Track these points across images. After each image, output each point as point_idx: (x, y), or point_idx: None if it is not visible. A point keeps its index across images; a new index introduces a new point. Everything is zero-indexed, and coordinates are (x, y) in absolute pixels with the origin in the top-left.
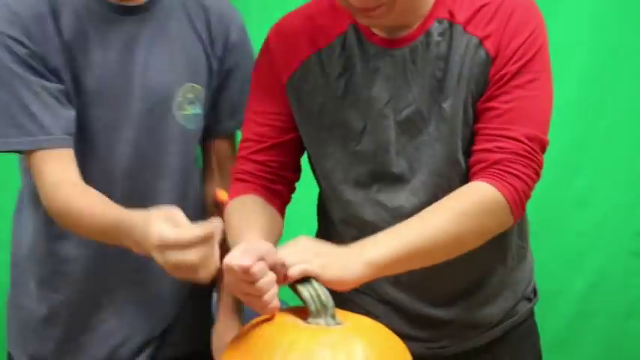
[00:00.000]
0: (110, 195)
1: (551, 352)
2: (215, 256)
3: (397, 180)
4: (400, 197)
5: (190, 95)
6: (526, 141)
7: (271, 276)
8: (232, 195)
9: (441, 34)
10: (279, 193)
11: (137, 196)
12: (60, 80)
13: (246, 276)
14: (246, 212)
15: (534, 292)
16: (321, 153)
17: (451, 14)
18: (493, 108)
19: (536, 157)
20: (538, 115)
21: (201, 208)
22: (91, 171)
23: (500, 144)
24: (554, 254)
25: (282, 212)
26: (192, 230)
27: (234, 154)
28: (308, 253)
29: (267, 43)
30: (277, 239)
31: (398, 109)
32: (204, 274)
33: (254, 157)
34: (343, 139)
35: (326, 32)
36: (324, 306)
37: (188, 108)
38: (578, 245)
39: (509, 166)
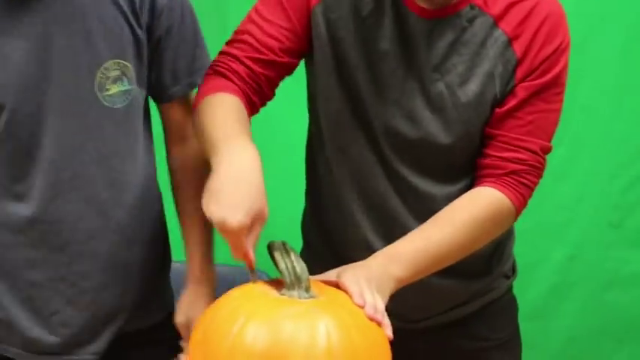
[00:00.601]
0: (36, 184)
1: (530, 322)
2: None
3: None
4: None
5: (114, 73)
6: (541, 153)
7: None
8: (213, 87)
9: (469, 21)
10: (254, 105)
11: (64, 185)
12: None
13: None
14: (235, 112)
15: (513, 269)
16: (324, 83)
17: (485, 2)
18: (516, 117)
19: (544, 165)
20: (553, 128)
21: (142, 188)
22: (15, 162)
23: (518, 155)
24: (533, 226)
25: None
26: None
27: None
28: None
29: None
30: None
31: (418, 71)
32: None
33: (248, 62)
34: (345, 79)
35: None
36: (297, 278)
37: (112, 87)
38: (557, 217)
39: (524, 177)
